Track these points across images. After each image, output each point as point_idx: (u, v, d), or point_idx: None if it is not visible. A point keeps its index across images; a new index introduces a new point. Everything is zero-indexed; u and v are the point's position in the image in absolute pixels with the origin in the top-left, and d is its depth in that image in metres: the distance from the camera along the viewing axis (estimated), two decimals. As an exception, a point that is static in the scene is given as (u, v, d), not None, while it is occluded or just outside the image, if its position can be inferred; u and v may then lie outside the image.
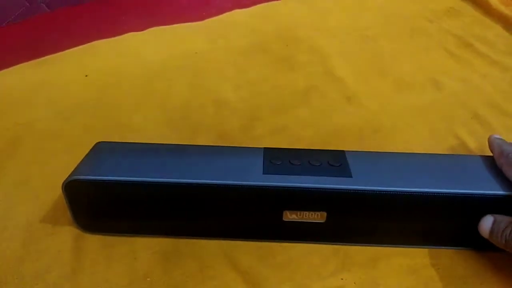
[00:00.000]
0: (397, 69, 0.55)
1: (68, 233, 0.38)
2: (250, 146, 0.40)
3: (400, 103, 0.50)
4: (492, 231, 0.33)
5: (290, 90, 0.53)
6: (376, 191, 0.34)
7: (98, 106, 0.51)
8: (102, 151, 0.38)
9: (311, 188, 0.34)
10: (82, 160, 0.37)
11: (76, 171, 0.35)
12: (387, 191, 0.34)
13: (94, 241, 0.38)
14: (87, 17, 0.65)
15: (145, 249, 0.37)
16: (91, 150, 0.38)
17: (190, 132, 0.48)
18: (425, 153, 0.39)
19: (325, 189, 0.34)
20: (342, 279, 0.35)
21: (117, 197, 0.36)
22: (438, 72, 0.54)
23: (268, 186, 0.34)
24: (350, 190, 0.34)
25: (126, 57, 0.57)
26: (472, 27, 0.61)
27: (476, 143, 0.45)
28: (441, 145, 0.45)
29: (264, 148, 0.38)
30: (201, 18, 0.63)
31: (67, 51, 0.58)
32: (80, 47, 0.58)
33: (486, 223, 0.33)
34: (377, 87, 0.53)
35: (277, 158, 0.37)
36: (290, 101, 0.51)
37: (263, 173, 0.35)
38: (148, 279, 0.35)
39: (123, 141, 0.39)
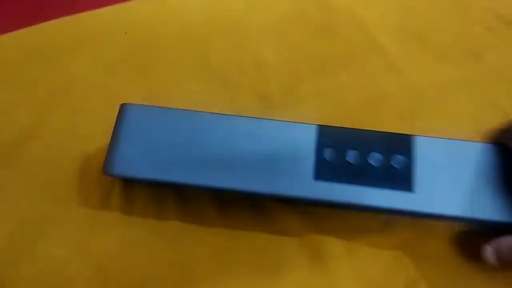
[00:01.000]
0: (437, 41, 0.55)
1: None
2: (290, 108, 0.39)
3: (441, 74, 0.51)
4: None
5: (331, 56, 0.53)
6: (438, 215, 0.32)
7: (137, 63, 0.52)
8: (132, 126, 0.36)
9: (363, 205, 0.33)
10: (113, 140, 0.36)
11: (112, 160, 0.35)
12: (451, 216, 0.32)
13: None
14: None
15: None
16: (121, 123, 0.36)
17: (229, 92, 0.49)
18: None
19: (379, 207, 0.33)
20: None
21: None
22: (479, 46, 0.54)
23: (317, 198, 0.33)
24: (406, 211, 0.32)
25: (165, 17, 0.58)
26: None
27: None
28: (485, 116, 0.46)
29: (318, 126, 0.35)
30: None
31: (103, 8, 0.58)
32: (117, 5, 0.58)
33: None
34: (418, 57, 0.53)
35: (331, 150, 0.34)
36: (330, 66, 0.52)
37: (314, 178, 0.33)
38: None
39: (153, 106, 0.38)
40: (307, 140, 0.35)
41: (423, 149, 0.34)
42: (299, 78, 0.50)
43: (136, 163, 0.34)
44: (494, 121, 0.44)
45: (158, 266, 0.37)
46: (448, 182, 0.33)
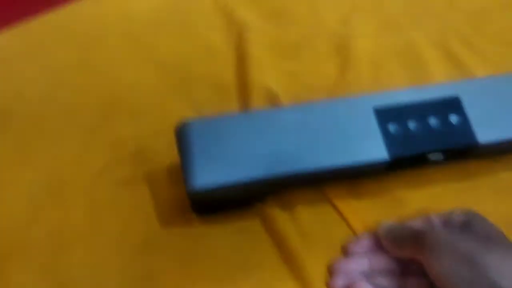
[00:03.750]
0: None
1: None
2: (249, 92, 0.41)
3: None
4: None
5: (283, 40, 0.53)
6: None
7: (87, 65, 0.51)
8: (203, 142, 0.38)
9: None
10: (187, 157, 0.37)
11: (193, 176, 0.36)
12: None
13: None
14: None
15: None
16: (187, 140, 0.38)
17: (184, 86, 0.49)
18: None
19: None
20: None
21: (236, 194, 0.38)
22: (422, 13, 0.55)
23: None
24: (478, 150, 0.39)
25: (110, 16, 0.57)
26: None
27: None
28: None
29: (373, 107, 0.39)
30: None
31: (47, 14, 0.57)
32: (61, 9, 0.57)
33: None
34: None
35: (392, 124, 0.39)
36: (284, 50, 0.52)
37: (388, 155, 0.37)
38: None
39: (210, 117, 0.39)
40: (368, 119, 0.39)
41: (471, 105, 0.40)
42: (250, 63, 0.50)
43: (218, 173, 0.36)
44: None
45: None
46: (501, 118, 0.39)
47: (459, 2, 0.56)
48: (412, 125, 0.39)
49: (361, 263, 0.37)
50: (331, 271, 0.37)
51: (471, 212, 0.35)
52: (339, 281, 0.36)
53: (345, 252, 0.38)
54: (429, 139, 0.38)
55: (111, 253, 0.38)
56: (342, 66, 0.50)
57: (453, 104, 0.39)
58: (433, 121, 0.39)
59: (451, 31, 0.53)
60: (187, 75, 0.50)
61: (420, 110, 0.39)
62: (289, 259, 0.38)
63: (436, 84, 0.44)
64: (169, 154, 0.42)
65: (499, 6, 0.56)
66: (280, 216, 0.40)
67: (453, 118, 0.39)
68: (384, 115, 0.39)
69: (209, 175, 0.36)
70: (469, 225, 0.34)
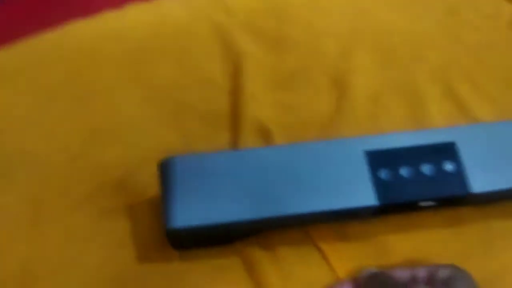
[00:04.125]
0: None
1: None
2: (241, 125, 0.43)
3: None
4: None
5: (281, 70, 0.52)
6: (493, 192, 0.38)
7: (76, 89, 0.51)
8: (185, 180, 0.37)
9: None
10: (169, 194, 0.37)
11: (173, 214, 0.36)
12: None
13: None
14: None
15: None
16: (170, 176, 0.37)
17: (174, 115, 0.49)
18: None
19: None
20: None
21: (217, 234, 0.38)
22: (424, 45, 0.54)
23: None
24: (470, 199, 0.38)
25: (105, 37, 0.57)
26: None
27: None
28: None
29: (365, 151, 0.38)
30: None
31: (40, 35, 0.57)
32: (54, 30, 0.57)
33: None
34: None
35: (384, 169, 0.38)
36: (281, 81, 0.51)
37: (378, 201, 0.36)
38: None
39: (194, 155, 0.39)
40: (358, 165, 0.38)
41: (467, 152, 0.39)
42: (247, 94, 0.49)
43: (199, 212, 0.35)
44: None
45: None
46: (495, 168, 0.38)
47: (463, 35, 0.55)
48: (404, 171, 0.38)
49: None
50: None
51: (457, 270, 0.34)
52: None
53: None
54: (421, 187, 0.37)
55: (86, 286, 0.37)
56: (339, 101, 0.49)
57: (448, 151, 0.38)
58: (426, 168, 0.38)
59: (453, 66, 0.52)
60: (179, 104, 0.49)
61: (414, 155, 0.38)
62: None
63: (432, 129, 0.43)
64: (152, 185, 0.41)
65: (504, 40, 0.55)
66: (261, 256, 0.39)
67: (448, 166, 0.38)
68: (376, 159, 0.38)
69: (188, 214, 0.35)
70: (451, 284, 0.33)
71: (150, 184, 0.42)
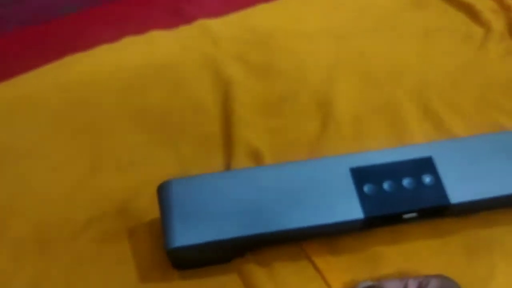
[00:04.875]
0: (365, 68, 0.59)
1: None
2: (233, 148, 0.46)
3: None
4: None
5: (269, 96, 0.56)
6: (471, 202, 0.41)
7: (76, 120, 0.54)
8: (183, 201, 0.40)
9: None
10: (168, 215, 0.39)
11: (172, 234, 0.38)
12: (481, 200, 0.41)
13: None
14: (56, 34, 0.66)
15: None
16: (168, 198, 0.40)
17: (170, 140, 0.51)
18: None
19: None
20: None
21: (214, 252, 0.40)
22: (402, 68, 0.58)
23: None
24: (450, 210, 0.41)
25: (102, 70, 0.60)
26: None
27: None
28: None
29: (350, 168, 0.41)
30: (174, 25, 0.65)
31: (39, 68, 0.60)
32: (53, 63, 0.60)
33: None
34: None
35: (368, 184, 0.40)
36: (269, 106, 0.55)
37: (363, 214, 0.39)
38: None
39: (190, 177, 0.42)
40: (343, 180, 0.41)
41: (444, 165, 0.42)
42: (237, 120, 0.52)
43: (197, 231, 0.38)
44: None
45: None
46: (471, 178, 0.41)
47: (437, 58, 0.59)
48: (386, 185, 0.40)
49: None
50: None
51: (445, 281, 0.37)
52: None
53: None
54: (403, 199, 0.40)
55: (90, 308, 0.39)
56: (324, 122, 0.52)
57: (426, 165, 0.41)
58: (407, 181, 0.41)
59: (430, 87, 0.55)
60: (174, 129, 0.52)
61: (395, 170, 0.41)
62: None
63: (411, 145, 0.46)
64: (152, 209, 0.44)
65: (475, 62, 0.58)
66: (258, 272, 0.41)
67: (426, 179, 0.41)
68: (360, 175, 0.41)
69: (187, 234, 0.38)
70: None
71: (149, 207, 0.45)
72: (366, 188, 0.40)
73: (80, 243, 0.43)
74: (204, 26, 0.65)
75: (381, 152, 0.43)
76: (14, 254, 0.42)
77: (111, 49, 0.63)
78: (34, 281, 0.41)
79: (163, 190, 0.40)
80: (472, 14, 0.63)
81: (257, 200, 0.39)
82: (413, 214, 0.41)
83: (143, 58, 0.61)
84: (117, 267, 0.41)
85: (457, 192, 0.40)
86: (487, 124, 0.51)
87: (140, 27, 0.65)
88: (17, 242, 0.43)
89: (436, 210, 0.41)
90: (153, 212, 0.43)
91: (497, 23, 0.61)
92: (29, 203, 0.46)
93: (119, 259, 0.42)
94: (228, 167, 0.48)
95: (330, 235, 0.42)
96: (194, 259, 0.40)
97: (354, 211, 0.39)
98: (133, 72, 0.59)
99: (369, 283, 0.38)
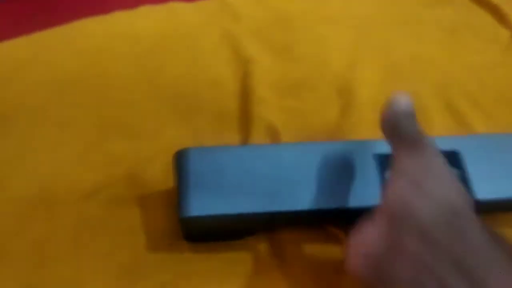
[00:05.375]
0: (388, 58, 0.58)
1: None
2: (250, 125, 0.44)
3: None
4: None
5: (288, 76, 0.55)
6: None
7: (89, 83, 0.52)
8: (200, 171, 0.38)
9: None
10: (183, 184, 0.38)
11: (187, 203, 0.37)
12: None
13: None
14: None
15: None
16: (184, 167, 0.39)
17: (184, 113, 0.50)
18: None
19: None
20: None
21: (228, 226, 0.39)
22: (425, 63, 0.57)
23: None
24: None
25: (117, 36, 0.58)
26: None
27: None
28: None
29: (374, 154, 0.40)
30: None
31: (54, 28, 0.58)
32: (68, 24, 0.59)
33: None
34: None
35: None
36: (288, 86, 0.54)
37: None
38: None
39: (209, 147, 0.40)
40: (369, 167, 0.40)
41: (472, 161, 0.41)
42: (256, 97, 0.51)
43: (212, 202, 0.37)
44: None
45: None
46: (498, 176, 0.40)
47: (462, 55, 0.58)
48: None
49: None
50: None
51: None
52: None
53: None
54: None
55: (97, 271, 0.38)
56: (344, 110, 0.51)
57: (453, 158, 0.40)
58: None
59: (454, 84, 0.55)
60: (189, 103, 0.51)
61: None
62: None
63: (437, 137, 0.45)
64: (163, 179, 0.43)
65: (501, 62, 0.58)
66: (270, 253, 0.40)
67: (453, 172, 0.40)
68: (383, 161, 0.40)
69: (203, 204, 0.37)
70: None
71: (161, 177, 0.44)
72: (388, 175, 0.39)
73: (89, 207, 0.42)
74: (224, 2, 0.64)
75: None
76: (19, 214, 0.41)
77: (127, 16, 0.61)
78: (39, 242, 0.39)
79: (180, 158, 0.39)
80: (499, 16, 0.63)
81: (277, 178, 0.38)
82: None
83: (160, 28, 0.60)
84: (126, 233, 0.40)
85: (483, 188, 0.39)
86: (510, 125, 0.51)
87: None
88: (22, 201, 0.42)
89: None
90: (165, 182, 0.42)
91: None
92: (35, 162, 0.45)
93: (128, 226, 0.41)
94: (244, 143, 0.47)
95: (349, 220, 0.42)
96: (206, 231, 0.39)
97: (376, 197, 0.38)
98: (150, 41, 0.58)
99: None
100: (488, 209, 0.42)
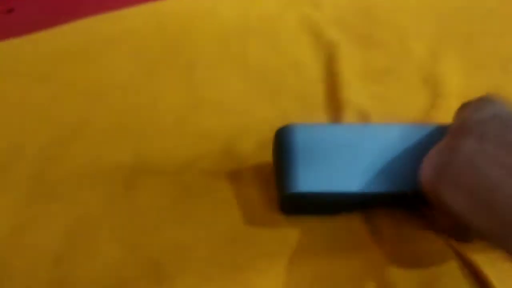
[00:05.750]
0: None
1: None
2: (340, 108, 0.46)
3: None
4: None
5: (370, 65, 0.55)
6: None
7: (176, 61, 0.54)
8: (303, 148, 0.39)
9: None
10: (287, 160, 0.38)
11: (291, 179, 0.38)
12: None
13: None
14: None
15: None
16: (287, 143, 0.39)
17: (268, 93, 0.51)
18: None
19: None
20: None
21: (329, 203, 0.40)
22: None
23: None
24: None
25: (200, 16, 0.59)
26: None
27: None
28: None
29: None
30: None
31: (140, 6, 0.60)
32: (151, 3, 0.60)
33: None
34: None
35: None
36: (371, 74, 0.54)
37: None
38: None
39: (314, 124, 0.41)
40: None
41: None
42: (342, 81, 0.52)
43: (317, 179, 0.37)
44: None
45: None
46: None
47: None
48: None
49: None
50: None
51: None
52: None
53: None
54: None
55: (200, 239, 0.39)
56: (432, 99, 0.51)
57: None
58: None
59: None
60: (274, 86, 0.52)
61: None
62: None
63: None
64: (256, 154, 0.44)
65: None
66: (365, 229, 0.41)
67: None
68: None
69: (309, 180, 0.37)
70: None
71: (253, 152, 0.45)
72: None
73: (185, 178, 0.43)
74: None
75: None
76: (119, 181, 0.43)
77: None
78: (143, 208, 0.41)
79: (283, 134, 0.40)
80: None
81: (382, 158, 0.38)
82: None
83: (241, 10, 0.61)
84: (222, 204, 0.41)
85: None
86: None
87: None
88: (118, 171, 0.44)
89: None
90: (257, 157, 0.44)
91: None
92: (128, 132, 0.47)
93: (224, 197, 0.42)
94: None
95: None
96: (306, 206, 0.40)
97: None
98: (232, 24, 0.59)
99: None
100: None
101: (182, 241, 0.39)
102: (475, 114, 0.35)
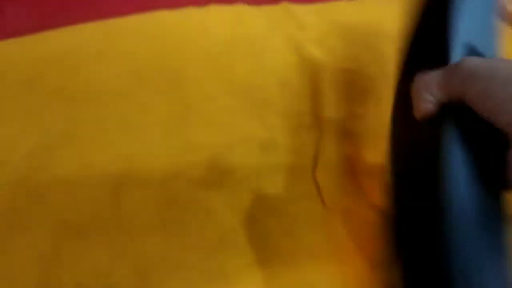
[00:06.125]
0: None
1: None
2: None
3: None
4: None
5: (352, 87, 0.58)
6: None
7: (165, 73, 0.55)
8: None
9: None
10: None
11: None
12: None
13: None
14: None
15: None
16: None
17: (255, 110, 0.53)
18: None
19: None
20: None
21: None
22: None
23: None
24: None
25: (188, 29, 0.61)
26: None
27: None
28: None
29: None
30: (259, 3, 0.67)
31: (127, 17, 0.61)
32: (142, 14, 0.61)
33: None
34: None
35: None
36: (355, 92, 0.56)
37: None
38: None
39: None
40: None
41: None
42: (327, 100, 0.54)
43: None
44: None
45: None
46: None
47: None
48: None
49: None
50: None
51: None
52: None
53: None
54: None
55: (186, 247, 0.40)
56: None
57: None
58: None
59: None
60: (260, 101, 0.54)
61: None
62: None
63: None
64: (243, 166, 0.45)
65: None
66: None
67: None
68: None
69: None
70: None
71: (240, 164, 0.46)
72: None
73: (173, 187, 0.44)
74: (288, 9, 0.67)
75: None
76: (107, 187, 0.44)
77: (198, 12, 0.64)
78: (130, 215, 0.42)
79: None
80: None
81: None
82: None
83: (228, 27, 0.63)
84: (209, 214, 0.42)
85: None
86: None
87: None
88: (105, 178, 0.44)
89: None
90: (244, 168, 0.46)
91: None
92: (117, 141, 0.47)
93: (211, 206, 0.43)
94: (319, 140, 0.50)
95: None
96: None
97: None
98: (219, 38, 0.61)
99: None
100: None
101: (169, 248, 0.40)
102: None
